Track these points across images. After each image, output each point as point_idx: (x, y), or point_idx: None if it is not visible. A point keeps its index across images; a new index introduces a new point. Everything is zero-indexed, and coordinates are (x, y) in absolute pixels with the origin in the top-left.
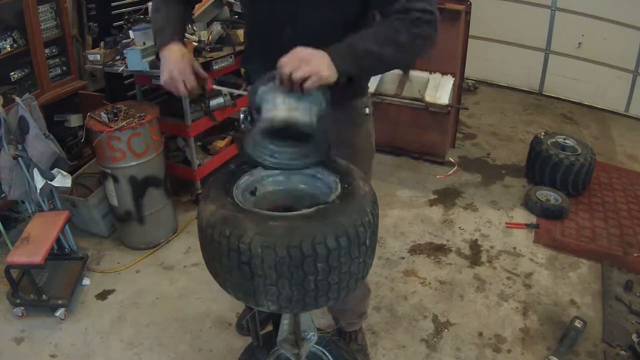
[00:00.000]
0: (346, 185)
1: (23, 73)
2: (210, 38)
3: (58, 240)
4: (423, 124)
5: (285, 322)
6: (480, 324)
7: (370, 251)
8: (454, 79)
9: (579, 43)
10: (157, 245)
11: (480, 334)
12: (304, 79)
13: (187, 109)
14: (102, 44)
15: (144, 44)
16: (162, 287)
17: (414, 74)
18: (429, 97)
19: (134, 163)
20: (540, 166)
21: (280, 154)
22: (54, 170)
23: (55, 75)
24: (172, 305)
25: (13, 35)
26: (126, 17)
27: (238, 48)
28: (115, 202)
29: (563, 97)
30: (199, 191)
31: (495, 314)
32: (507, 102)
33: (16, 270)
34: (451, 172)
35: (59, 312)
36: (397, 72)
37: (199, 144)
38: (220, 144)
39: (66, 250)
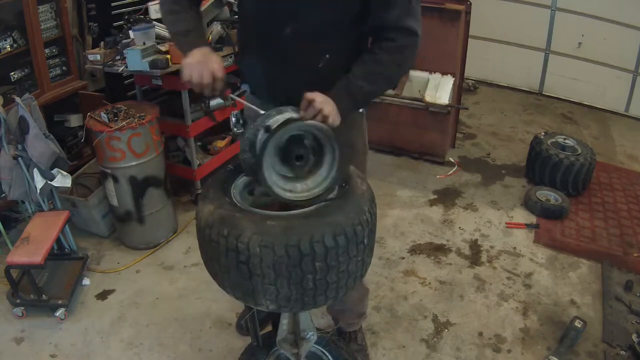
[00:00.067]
0: (344, 184)
1: (23, 73)
2: (210, 38)
3: (58, 240)
4: (423, 124)
5: (285, 322)
6: (480, 324)
7: (368, 250)
8: (454, 79)
9: (579, 43)
10: (157, 245)
11: (480, 334)
12: (326, 116)
13: (187, 109)
14: (102, 44)
15: (144, 44)
16: (162, 287)
17: (414, 74)
18: (429, 97)
19: (134, 163)
20: (540, 166)
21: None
22: (54, 170)
23: (55, 75)
24: (172, 305)
25: (13, 35)
26: (126, 17)
27: (238, 48)
28: (115, 202)
29: (563, 97)
30: (199, 191)
31: (495, 314)
32: (507, 102)
33: (16, 270)
34: (451, 172)
35: (59, 312)
36: None
37: (199, 144)
38: (220, 144)
39: (66, 250)
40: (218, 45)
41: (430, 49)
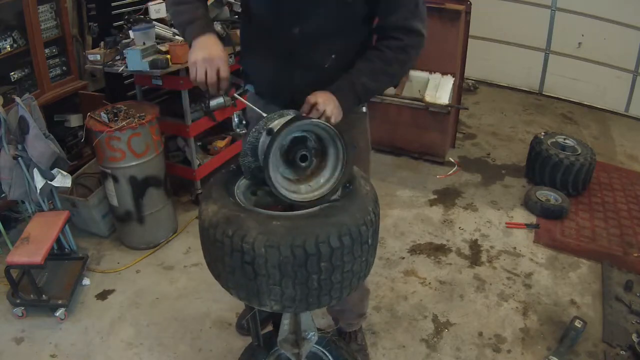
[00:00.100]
0: (348, 185)
1: (23, 73)
2: None
3: (58, 240)
4: (423, 124)
5: (286, 322)
6: (480, 324)
7: (372, 250)
8: (454, 79)
9: (579, 43)
10: (157, 245)
11: (480, 334)
12: (328, 117)
13: (187, 109)
14: (102, 44)
15: (144, 44)
16: (162, 287)
17: (414, 74)
18: (429, 97)
19: (134, 163)
20: (540, 166)
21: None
22: (54, 170)
23: (55, 75)
24: (172, 305)
25: (13, 35)
26: (126, 17)
27: (238, 48)
28: (115, 202)
29: (563, 97)
30: (199, 191)
31: (495, 314)
32: (507, 102)
33: (16, 270)
34: (451, 172)
35: (59, 312)
36: None
37: (199, 144)
38: (220, 144)
39: (66, 250)
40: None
41: (430, 48)
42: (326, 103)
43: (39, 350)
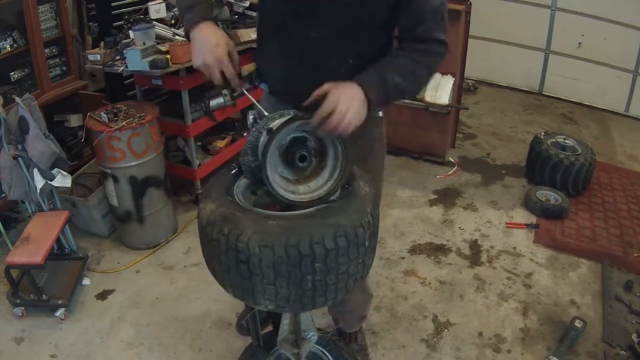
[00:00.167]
0: (347, 186)
1: (23, 73)
2: None
3: (58, 240)
4: (423, 124)
5: (286, 322)
6: (480, 324)
7: (369, 252)
8: (454, 79)
9: (579, 43)
10: (157, 245)
11: (480, 334)
12: (346, 126)
13: (187, 109)
14: (102, 44)
15: (144, 44)
16: (162, 287)
17: None
18: (429, 97)
19: (134, 163)
20: (540, 166)
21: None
22: (54, 170)
23: (55, 75)
24: (172, 305)
25: (13, 35)
26: (126, 17)
27: (238, 48)
28: (115, 202)
29: (563, 97)
30: (199, 191)
31: (495, 314)
32: (507, 102)
33: (16, 270)
34: (451, 172)
35: (59, 312)
36: None
37: (199, 144)
38: (220, 144)
39: (66, 250)
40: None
41: None
42: (348, 106)
43: (39, 350)
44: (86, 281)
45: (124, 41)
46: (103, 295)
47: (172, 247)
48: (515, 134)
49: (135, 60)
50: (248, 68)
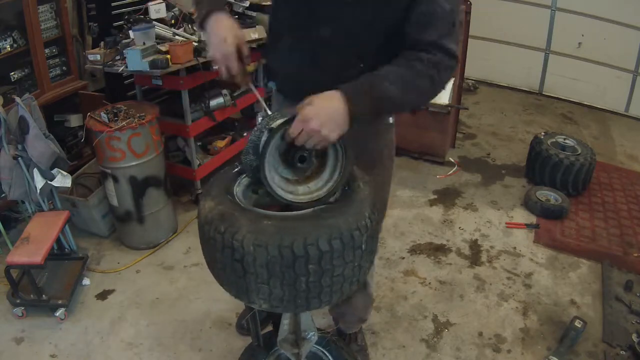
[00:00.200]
0: (346, 187)
1: (23, 73)
2: None
3: (58, 240)
4: (423, 124)
5: (286, 322)
6: (480, 324)
7: (366, 255)
8: (454, 79)
9: (579, 43)
10: (157, 245)
11: (480, 334)
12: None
13: (187, 109)
14: (102, 44)
15: (144, 44)
16: (162, 287)
17: None
18: None
19: (134, 163)
20: (540, 166)
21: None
22: (54, 170)
23: (55, 75)
24: (172, 305)
25: (13, 35)
26: (126, 17)
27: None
28: (115, 202)
29: (563, 97)
30: (199, 191)
31: (495, 314)
32: (507, 102)
33: (16, 270)
34: (451, 172)
35: (59, 312)
36: None
37: (199, 144)
38: (220, 144)
39: (66, 250)
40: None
41: None
42: (321, 122)
43: (39, 350)
44: (86, 281)
45: (124, 41)
46: (103, 295)
47: (172, 247)
48: (515, 134)
49: (135, 60)
50: (249, 68)
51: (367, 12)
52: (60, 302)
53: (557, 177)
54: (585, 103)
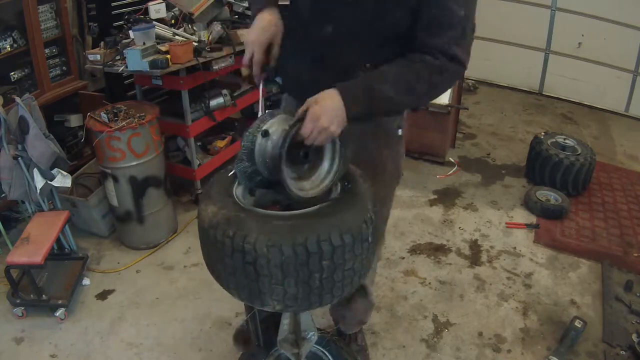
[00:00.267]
0: (346, 183)
1: (23, 73)
2: (210, 38)
3: (58, 240)
4: (423, 124)
5: (286, 322)
6: (480, 324)
7: (372, 247)
8: None
9: (579, 43)
10: (157, 245)
11: (480, 334)
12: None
13: (187, 109)
14: (102, 44)
15: (144, 44)
16: (162, 287)
17: None
18: None
19: (134, 163)
20: (540, 166)
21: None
22: (54, 170)
23: (55, 75)
24: (172, 305)
25: (13, 35)
26: (126, 17)
27: (238, 48)
28: (115, 202)
29: (563, 97)
30: (199, 191)
31: (495, 314)
32: (507, 102)
33: (16, 270)
34: (451, 172)
35: (59, 312)
36: None
37: (199, 144)
38: (220, 144)
39: (66, 250)
40: (218, 45)
41: None
42: (331, 119)
43: (39, 350)
44: (86, 281)
45: (124, 41)
46: (103, 295)
47: (172, 247)
48: (515, 134)
49: (135, 60)
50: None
51: (366, 12)
52: (60, 302)
53: (557, 177)
54: (585, 103)
